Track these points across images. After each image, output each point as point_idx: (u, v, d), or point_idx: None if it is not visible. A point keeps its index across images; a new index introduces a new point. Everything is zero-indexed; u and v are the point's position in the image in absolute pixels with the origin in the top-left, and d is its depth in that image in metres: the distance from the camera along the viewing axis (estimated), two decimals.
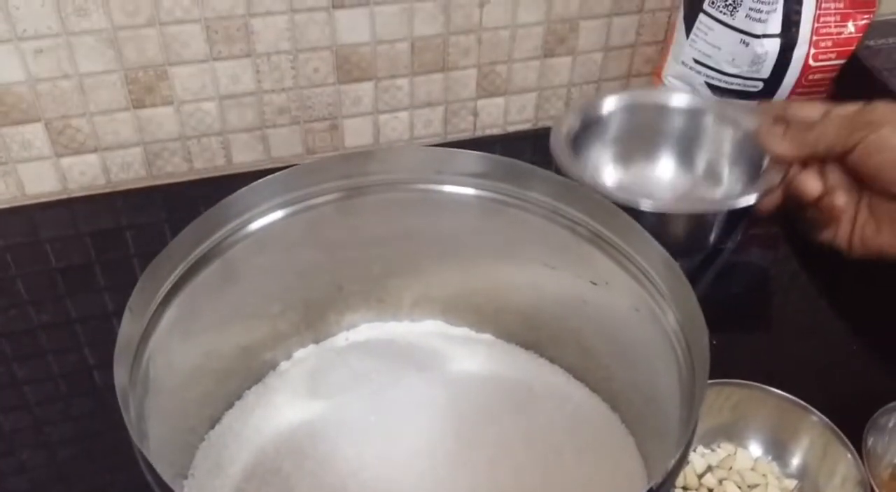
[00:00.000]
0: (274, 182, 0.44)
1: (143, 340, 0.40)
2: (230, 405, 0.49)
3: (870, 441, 0.46)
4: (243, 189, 0.43)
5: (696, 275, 0.61)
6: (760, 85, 0.74)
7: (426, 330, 0.53)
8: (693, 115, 0.63)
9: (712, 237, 0.57)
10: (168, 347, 0.41)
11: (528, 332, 0.52)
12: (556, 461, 0.43)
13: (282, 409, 0.48)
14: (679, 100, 0.63)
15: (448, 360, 0.50)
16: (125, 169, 0.69)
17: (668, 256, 0.40)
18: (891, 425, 0.48)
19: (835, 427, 0.47)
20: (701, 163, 0.63)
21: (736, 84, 0.74)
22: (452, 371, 0.50)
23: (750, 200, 0.53)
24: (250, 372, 0.50)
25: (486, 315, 0.53)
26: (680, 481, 0.47)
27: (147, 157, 0.69)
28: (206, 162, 0.71)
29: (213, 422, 0.48)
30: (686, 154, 0.64)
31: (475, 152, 0.46)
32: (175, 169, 0.70)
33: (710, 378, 0.39)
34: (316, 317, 0.52)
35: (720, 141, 0.62)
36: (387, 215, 0.49)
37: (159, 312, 0.41)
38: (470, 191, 0.47)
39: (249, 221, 0.44)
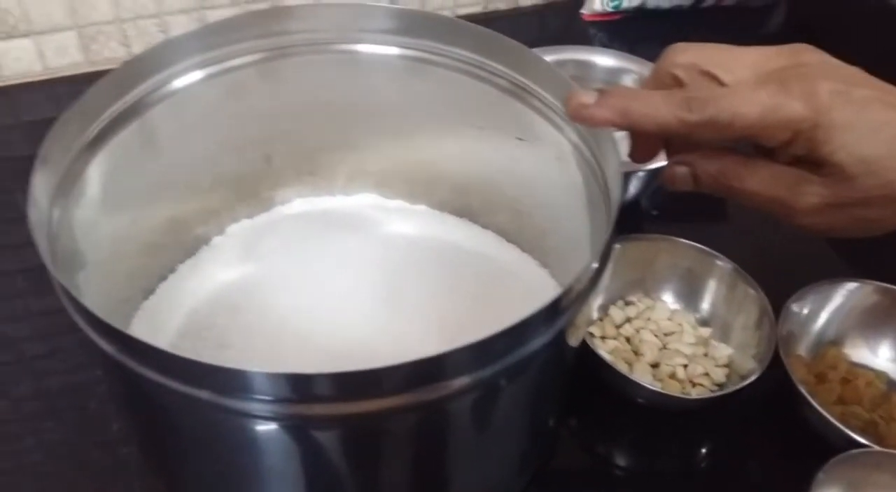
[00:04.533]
0: (189, 38, 0.43)
1: (62, 196, 0.39)
2: (164, 277, 0.49)
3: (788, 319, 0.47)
4: (158, 44, 0.42)
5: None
6: None
7: (360, 203, 0.54)
8: (616, 75, 0.62)
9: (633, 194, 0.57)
10: (93, 213, 0.41)
11: (461, 199, 0.53)
12: (485, 307, 0.45)
13: (215, 275, 0.48)
14: (604, 58, 0.63)
15: (381, 225, 0.51)
16: (61, 54, 0.67)
17: None
18: (807, 310, 0.49)
19: (738, 267, 0.48)
20: None
21: None
22: (385, 234, 0.50)
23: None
24: (182, 246, 0.50)
25: (420, 186, 0.53)
26: (598, 332, 0.49)
27: (82, 41, 0.67)
28: (145, 46, 0.69)
29: (148, 293, 0.48)
30: None
31: (397, 7, 0.45)
32: (112, 54, 0.69)
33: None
34: (247, 191, 0.52)
35: None
36: (311, 80, 0.48)
37: (76, 171, 0.40)
38: (393, 50, 0.46)
39: (167, 81, 0.43)
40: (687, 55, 0.36)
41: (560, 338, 0.32)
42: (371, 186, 0.54)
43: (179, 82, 0.44)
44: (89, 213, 0.41)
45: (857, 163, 0.32)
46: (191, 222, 0.50)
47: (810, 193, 0.34)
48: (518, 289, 0.47)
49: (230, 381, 0.29)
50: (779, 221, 0.35)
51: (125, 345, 0.30)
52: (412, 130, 0.51)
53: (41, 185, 0.37)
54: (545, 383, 0.36)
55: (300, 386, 0.28)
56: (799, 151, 0.33)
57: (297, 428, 0.31)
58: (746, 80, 0.35)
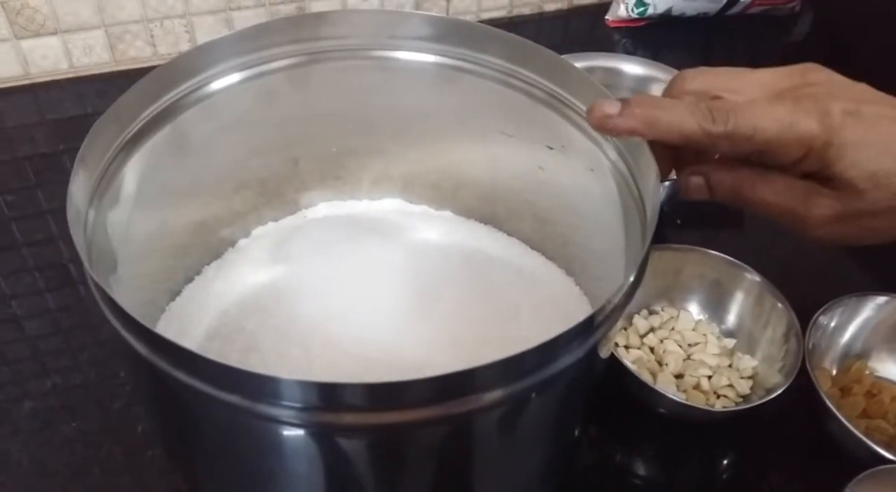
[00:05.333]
0: (223, 43, 0.43)
1: (98, 198, 0.39)
2: (190, 280, 0.49)
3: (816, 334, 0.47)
4: (192, 49, 0.42)
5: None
6: None
7: (385, 208, 0.54)
8: (644, 83, 0.62)
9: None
10: (124, 214, 0.41)
11: (486, 206, 0.53)
12: (513, 316, 0.45)
13: (244, 277, 0.48)
14: (632, 66, 0.62)
15: (407, 231, 0.51)
16: (87, 53, 0.68)
17: None
18: (833, 323, 0.49)
19: (766, 280, 0.48)
20: None
21: None
22: (411, 239, 0.50)
23: None
24: (209, 248, 0.50)
25: (445, 192, 0.53)
26: (622, 341, 0.49)
27: (109, 40, 0.68)
28: (171, 46, 0.70)
29: (174, 295, 0.48)
30: None
31: (429, 13, 0.45)
32: (139, 53, 0.69)
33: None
34: (273, 195, 0.52)
35: None
36: (341, 86, 0.48)
37: (111, 174, 0.40)
38: (425, 57, 0.46)
39: (199, 85, 0.43)
40: (696, 82, 0.37)
41: (593, 352, 0.32)
42: (396, 190, 0.54)
43: (212, 87, 0.44)
44: (120, 215, 0.41)
45: (868, 178, 0.34)
46: (217, 224, 0.50)
47: (822, 205, 0.35)
48: (545, 297, 0.47)
49: (261, 386, 0.29)
50: (791, 231, 0.36)
51: (158, 347, 0.30)
52: (440, 135, 0.51)
53: (80, 187, 0.37)
54: (574, 394, 0.36)
55: (331, 395, 0.28)
56: (810, 167, 0.34)
57: (325, 436, 0.31)
58: (759, 100, 0.35)
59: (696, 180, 0.37)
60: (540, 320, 0.45)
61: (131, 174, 0.41)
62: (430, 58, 0.46)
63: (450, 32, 0.45)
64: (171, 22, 0.68)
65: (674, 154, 0.39)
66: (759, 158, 0.35)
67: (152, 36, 0.69)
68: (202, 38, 0.70)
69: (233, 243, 0.51)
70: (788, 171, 0.35)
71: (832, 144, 0.33)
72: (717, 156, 0.38)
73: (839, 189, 0.34)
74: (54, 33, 0.66)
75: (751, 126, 0.33)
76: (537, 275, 0.49)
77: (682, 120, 0.34)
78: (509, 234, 0.52)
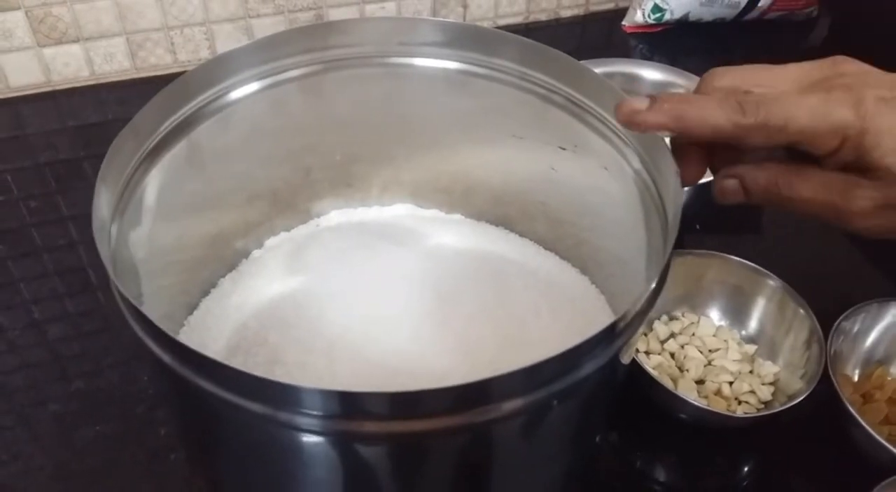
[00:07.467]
0: (236, 54, 0.43)
1: (119, 214, 0.39)
2: (206, 293, 0.49)
3: (839, 340, 0.47)
4: (205, 61, 0.42)
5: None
6: None
7: (396, 213, 0.54)
8: (663, 88, 0.62)
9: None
10: (144, 230, 0.41)
11: (498, 209, 0.52)
12: (533, 318, 0.45)
13: (260, 289, 0.48)
14: (651, 72, 0.62)
15: (421, 237, 0.51)
16: (108, 60, 0.69)
17: None
18: (856, 329, 0.49)
19: (788, 286, 0.48)
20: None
21: None
22: (426, 245, 0.50)
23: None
24: (223, 261, 0.50)
25: (456, 195, 0.53)
26: (643, 347, 0.48)
27: (130, 47, 0.68)
28: (191, 54, 0.70)
29: (192, 308, 0.48)
30: None
31: (438, 19, 0.45)
32: (159, 61, 0.70)
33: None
34: (285, 204, 0.51)
35: None
36: (351, 94, 0.48)
37: (132, 188, 0.40)
38: (436, 63, 0.46)
39: (213, 98, 0.43)
40: (726, 78, 0.36)
41: (615, 359, 0.32)
42: (406, 196, 0.54)
43: (225, 99, 0.44)
44: (140, 231, 0.41)
45: None
46: (231, 236, 0.50)
47: (862, 197, 0.34)
48: (563, 297, 0.47)
49: (285, 395, 0.29)
50: (833, 225, 0.35)
51: (185, 357, 0.30)
52: (449, 140, 0.50)
53: (103, 205, 0.36)
54: (595, 402, 0.36)
55: (353, 403, 0.28)
56: (846, 157, 0.34)
57: (346, 444, 0.31)
58: (790, 91, 0.35)
59: (731, 183, 0.36)
60: (560, 321, 0.45)
61: (150, 189, 0.41)
62: (440, 63, 0.46)
63: (459, 37, 0.45)
64: (192, 29, 0.69)
65: (707, 156, 0.38)
66: (792, 150, 0.35)
67: (172, 43, 0.69)
68: (221, 45, 0.70)
69: (246, 255, 0.51)
70: (824, 165, 0.35)
71: (867, 132, 0.33)
72: (749, 154, 0.37)
73: (878, 178, 0.33)
74: (76, 41, 0.67)
75: (783, 116, 0.33)
76: (553, 275, 0.49)
77: (712, 113, 0.34)
78: (521, 235, 0.52)
